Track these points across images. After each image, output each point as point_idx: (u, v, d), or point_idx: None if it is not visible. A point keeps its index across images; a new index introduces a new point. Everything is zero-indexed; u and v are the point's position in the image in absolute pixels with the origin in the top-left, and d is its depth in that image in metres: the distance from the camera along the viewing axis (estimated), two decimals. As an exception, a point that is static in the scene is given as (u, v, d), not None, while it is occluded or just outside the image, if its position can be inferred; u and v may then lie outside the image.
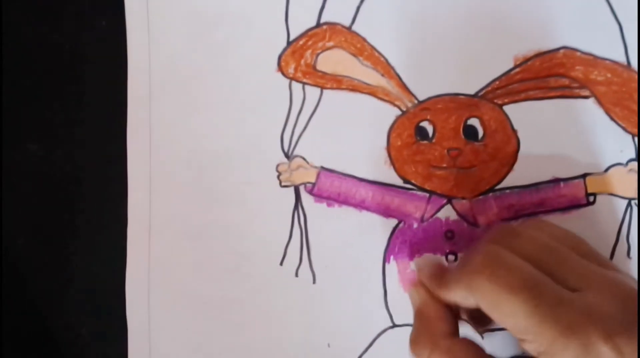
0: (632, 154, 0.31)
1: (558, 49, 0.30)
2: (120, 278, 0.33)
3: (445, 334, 0.27)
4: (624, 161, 0.31)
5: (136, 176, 0.33)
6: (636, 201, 0.31)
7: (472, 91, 0.31)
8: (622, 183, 0.31)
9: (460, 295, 0.26)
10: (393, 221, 0.32)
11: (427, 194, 0.32)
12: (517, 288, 0.24)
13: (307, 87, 0.32)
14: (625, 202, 0.31)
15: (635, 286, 0.24)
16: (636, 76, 0.30)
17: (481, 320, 0.29)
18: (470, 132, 0.31)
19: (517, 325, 0.24)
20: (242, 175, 0.33)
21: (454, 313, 0.28)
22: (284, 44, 0.32)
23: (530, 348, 0.24)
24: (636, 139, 0.31)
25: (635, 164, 0.31)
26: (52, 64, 0.33)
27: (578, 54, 0.30)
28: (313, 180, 0.32)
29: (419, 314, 0.29)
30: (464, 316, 0.29)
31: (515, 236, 0.27)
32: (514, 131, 0.31)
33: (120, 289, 0.33)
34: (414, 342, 0.28)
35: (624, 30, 0.30)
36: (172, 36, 0.32)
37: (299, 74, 0.32)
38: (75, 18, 0.33)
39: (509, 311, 0.24)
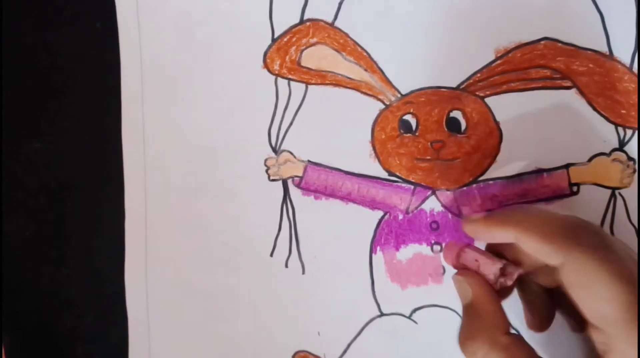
0: (615, 144, 0.31)
1: (539, 41, 0.30)
2: (119, 270, 0.35)
3: (503, 331, 0.26)
4: (607, 151, 0.31)
5: (132, 172, 0.34)
6: (619, 191, 0.31)
7: (454, 84, 0.31)
8: (606, 172, 0.31)
9: (537, 247, 0.25)
10: (379, 213, 0.33)
11: (412, 186, 0.32)
12: (625, 278, 0.23)
13: (292, 83, 0.33)
14: (609, 192, 0.31)
15: None
16: (618, 66, 0.30)
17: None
18: (453, 125, 0.32)
19: (606, 314, 0.23)
20: (232, 170, 0.34)
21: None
22: (269, 41, 0.32)
23: (600, 340, 0.24)
24: (619, 128, 0.31)
25: (618, 154, 0.31)
26: (49, 65, 0.35)
27: (559, 45, 0.30)
28: (300, 174, 0.33)
29: (471, 308, 0.27)
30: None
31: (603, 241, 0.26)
32: (496, 123, 0.31)
33: (120, 280, 0.35)
34: (469, 337, 0.26)
35: (605, 20, 0.30)
36: (161, 36, 0.33)
37: (284, 71, 0.32)
38: (71, 21, 0.34)
39: (607, 297, 0.23)
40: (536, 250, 0.26)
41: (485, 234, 0.28)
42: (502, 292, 0.29)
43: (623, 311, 0.23)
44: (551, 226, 0.26)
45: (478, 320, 0.27)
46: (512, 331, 0.27)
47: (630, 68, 0.30)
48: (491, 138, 0.31)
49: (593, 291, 0.24)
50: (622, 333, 0.23)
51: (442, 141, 0.32)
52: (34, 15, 0.34)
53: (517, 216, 0.28)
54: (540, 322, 0.29)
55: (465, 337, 0.26)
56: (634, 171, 0.31)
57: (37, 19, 0.34)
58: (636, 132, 0.31)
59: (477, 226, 0.29)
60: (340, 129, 0.33)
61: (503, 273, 0.27)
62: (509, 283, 0.27)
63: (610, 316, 0.23)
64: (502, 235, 0.27)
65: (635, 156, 0.31)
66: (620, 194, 0.31)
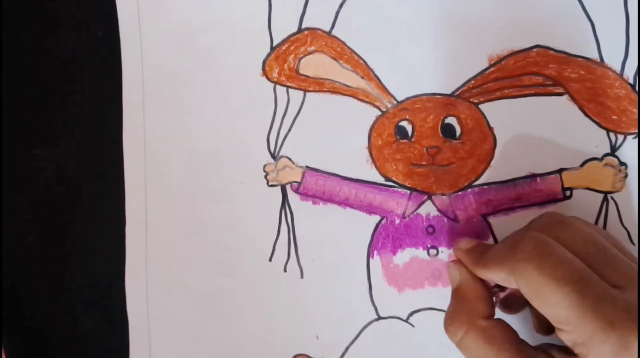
0: (607, 149, 0.31)
1: (531, 48, 0.31)
2: (120, 273, 0.35)
3: (482, 314, 0.28)
4: (600, 156, 0.31)
5: (132, 177, 0.35)
6: (612, 195, 0.32)
7: (448, 91, 0.32)
8: (598, 177, 0.32)
9: (500, 276, 0.27)
10: (376, 218, 0.33)
11: (408, 191, 0.33)
12: (564, 280, 0.24)
13: (290, 91, 0.33)
14: (601, 196, 0.32)
15: None
16: (609, 72, 0.31)
17: (510, 304, 0.30)
18: (448, 131, 0.32)
19: (559, 315, 0.24)
20: (231, 175, 0.34)
21: (491, 294, 0.29)
22: (268, 49, 0.33)
23: (566, 338, 0.25)
24: (611, 134, 0.31)
25: (610, 158, 0.31)
26: (52, 73, 0.35)
27: (551, 52, 0.31)
28: (299, 179, 0.34)
29: (457, 292, 0.29)
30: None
31: (563, 225, 0.27)
32: (490, 129, 0.32)
33: (120, 283, 0.35)
34: (450, 318, 0.28)
35: (596, 28, 0.31)
36: (162, 44, 0.34)
37: (283, 78, 0.33)
38: (73, 29, 0.35)
39: (553, 301, 0.24)
40: (498, 279, 0.27)
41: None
42: (514, 306, 0.30)
43: (571, 309, 0.24)
44: (499, 251, 0.27)
45: (461, 303, 0.29)
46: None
47: (621, 75, 0.31)
48: (485, 144, 0.32)
49: (541, 299, 0.25)
50: (580, 328, 0.24)
51: (438, 147, 0.32)
52: (36, 23, 0.35)
53: (484, 252, 0.29)
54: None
55: (448, 317, 0.28)
56: (626, 176, 0.31)
57: (39, 28, 0.35)
58: (627, 137, 0.31)
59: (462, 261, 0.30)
60: (337, 135, 0.33)
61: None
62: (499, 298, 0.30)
63: (562, 317, 0.24)
64: (478, 273, 0.29)
65: (627, 161, 0.31)
66: (612, 198, 0.32)
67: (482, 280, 0.29)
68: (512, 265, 0.26)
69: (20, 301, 0.36)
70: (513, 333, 0.27)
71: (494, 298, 0.30)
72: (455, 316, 0.28)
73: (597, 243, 0.26)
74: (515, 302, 0.31)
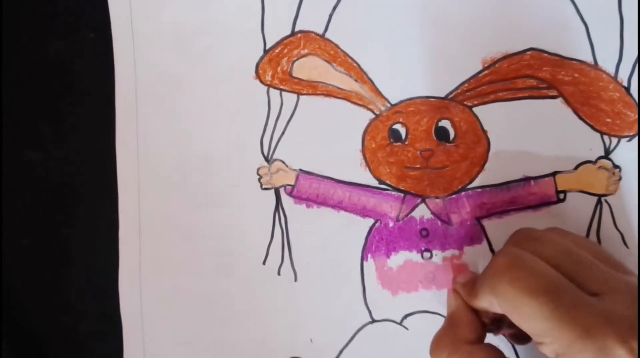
0: (601, 151, 0.31)
1: (525, 51, 0.31)
2: (114, 276, 0.35)
3: (467, 339, 0.28)
4: (593, 159, 0.31)
5: (126, 180, 0.35)
6: (605, 198, 0.32)
7: (442, 94, 0.32)
8: (592, 180, 0.31)
9: (487, 301, 0.27)
10: (370, 221, 0.33)
11: (402, 194, 0.33)
12: (537, 291, 0.24)
13: (284, 94, 0.33)
14: (595, 199, 0.32)
15: None
16: (603, 75, 0.31)
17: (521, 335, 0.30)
18: (441, 134, 0.32)
19: (536, 328, 0.24)
20: (225, 178, 0.34)
21: (483, 323, 0.29)
22: (261, 52, 0.33)
23: (547, 350, 0.24)
24: (605, 137, 0.31)
25: (604, 161, 0.31)
26: (47, 75, 0.35)
27: (545, 55, 0.31)
28: (292, 182, 0.34)
29: (449, 318, 0.30)
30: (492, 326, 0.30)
31: (536, 239, 0.27)
32: (484, 132, 0.32)
33: (114, 288, 0.35)
34: (435, 342, 0.29)
35: (590, 31, 0.31)
36: (155, 47, 0.34)
37: (276, 81, 0.33)
38: (66, 31, 0.35)
39: (528, 314, 0.24)
40: (487, 305, 0.27)
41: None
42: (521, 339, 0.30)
43: (547, 320, 0.24)
44: (482, 276, 0.27)
45: (449, 329, 0.29)
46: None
47: (615, 77, 0.31)
48: (479, 147, 0.32)
49: (518, 312, 0.25)
50: (558, 338, 0.23)
51: (431, 150, 0.32)
52: (31, 27, 0.35)
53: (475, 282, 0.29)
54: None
55: (434, 341, 0.29)
56: (620, 179, 0.31)
57: (34, 31, 0.35)
58: (621, 140, 0.31)
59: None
60: (331, 138, 0.33)
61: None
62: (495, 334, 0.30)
63: (540, 329, 0.24)
64: (473, 304, 0.29)
65: (621, 164, 0.31)
66: (606, 201, 0.32)
67: (473, 309, 0.29)
68: (490, 284, 0.26)
69: (15, 306, 0.36)
70: (499, 355, 0.27)
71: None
72: (440, 340, 0.29)
73: (572, 253, 0.26)
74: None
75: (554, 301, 0.24)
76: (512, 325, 0.26)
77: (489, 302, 0.27)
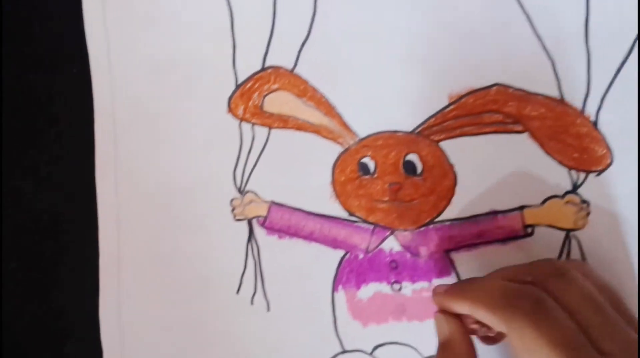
0: (569, 186, 0.31)
1: (491, 86, 0.31)
2: (96, 303, 0.36)
3: None
4: (561, 194, 0.31)
5: (105, 210, 0.36)
6: (574, 233, 0.31)
7: (409, 128, 0.32)
8: (560, 215, 0.31)
9: (488, 319, 0.27)
10: (340, 252, 0.34)
11: (371, 227, 0.33)
12: (559, 345, 0.24)
13: (256, 127, 0.34)
14: (564, 234, 0.31)
15: None
16: (569, 110, 0.31)
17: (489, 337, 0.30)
18: (409, 168, 0.32)
19: None
20: (200, 209, 0.35)
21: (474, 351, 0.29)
22: (233, 87, 0.34)
23: None
24: (572, 171, 0.31)
25: (572, 196, 0.31)
26: (34, 109, 0.36)
27: (510, 90, 0.31)
28: (265, 214, 0.34)
29: (446, 345, 0.29)
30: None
31: (562, 276, 0.27)
32: (451, 166, 0.32)
33: (95, 316, 0.36)
34: None
35: (556, 65, 0.31)
36: (132, 81, 0.35)
37: (248, 115, 0.34)
38: (51, 66, 0.36)
39: None
40: (485, 320, 0.27)
41: (446, 306, 0.30)
42: (490, 339, 0.30)
43: None
44: (494, 296, 0.27)
45: (451, 355, 0.29)
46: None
47: (582, 112, 0.31)
48: (446, 181, 0.32)
49: (531, 356, 0.25)
50: None
51: (400, 183, 0.32)
52: (14, 62, 0.36)
53: (471, 288, 0.29)
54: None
55: None
56: (588, 214, 0.31)
57: (18, 66, 0.36)
58: (589, 175, 0.31)
59: (440, 299, 0.30)
60: (302, 171, 0.34)
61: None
62: (491, 334, 0.30)
63: None
64: (458, 307, 0.29)
65: (589, 199, 0.31)
66: (575, 236, 0.31)
67: (467, 334, 0.29)
68: (507, 316, 0.26)
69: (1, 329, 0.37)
70: None
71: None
72: None
73: (595, 303, 0.26)
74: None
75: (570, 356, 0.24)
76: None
77: (491, 321, 0.27)
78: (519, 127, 0.31)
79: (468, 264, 0.32)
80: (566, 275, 0.27)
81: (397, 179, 0.32)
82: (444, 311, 0.30)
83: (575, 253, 0.31)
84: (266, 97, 0.33)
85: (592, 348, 0.25)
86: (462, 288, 0.29)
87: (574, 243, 0.31)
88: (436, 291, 0.30)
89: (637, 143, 0.31)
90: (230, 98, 0.34)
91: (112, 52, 0.35)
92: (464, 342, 0.29)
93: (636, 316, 0.28)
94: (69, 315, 0.37)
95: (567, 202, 0.31)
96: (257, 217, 0.34)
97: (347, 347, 0.34)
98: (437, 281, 0.33)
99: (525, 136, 0.31)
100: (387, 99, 0.32)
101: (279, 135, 0.34)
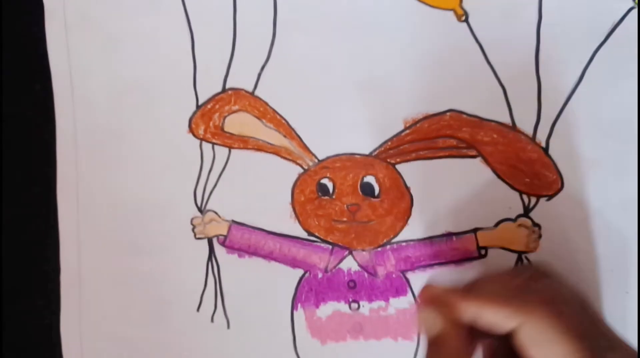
0: (521, 210, 0.32)
1: (445, 112, 0.32)
2: (55, 324, 0.36)
3: None
4: (513, 217, 0.32)
5: (66, 229, 0.36)
6: (526, 255, 0.32)
7: (367, 151, 0.33)
8: (512, 237, 0.32)
9: (498, 315, 0.25)
10: (300, 271, 0.34)
11: (330, 246, 0.34)
12: (577, 335, 0.24)
13: (216, 147, 0.34)
14: (516, 256, 0.32)
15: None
16: (521, 136, 0.32)
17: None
18: (367, 189, 0.33)
19: None
20: (161, 227, 0.35)
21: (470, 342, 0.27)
22: (194, 107, 0.34)
23: None
24: (524, 195, 0.32)
25: (524, 219, 0.32)
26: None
27: (464, 116, 0.32)
28: (225, 233, 0.35)
29: (438, 342, 0.27)
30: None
31: (547, 277, 0.28)
32: (407, 188, 0.33)
33: (56, 334, 0.36)
34: None
35: (507, 93, 0.31)
36: (93, 101, 0.35)
37: (209, 135, 0.34)
38: (15, 84, 0.36)
39: (557, 352, 0.24)
40: (493, 318, 0.26)
41: (444, 309, 0.27)
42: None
43: None
44: (507, 290, 0.26)
45: (444, 352, 0.27)
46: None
47: (533, 138, 0.32)
48: (403, 202, 0.33)
49: (549, 349, 0.24)
50: None
51: (357, 204, 0.33)
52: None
53: (477, 287, 0.28)
54: None
55: None
56: (540, 236, 0.32)
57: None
58: (540, 199, 0.32)
59: (439, 300, 0.28)
60: (262, 191, 0.34)
61: None
62: None
63: None
64: (463, 310, 0.27)
65: (540, 222, 0.32)
66: (526, 258, 0.32)
67: (461, 329, 0.27)
68: (522, 308, 0.25)
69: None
70: None
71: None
72: None
73: (586, 309, 0.27)
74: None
75: (586, 350, 0.24)
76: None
77: (501, 318, 0.25)
78: (473, 152, 0.32)
79: (423, 284, 0.33)
80: (551, 276, 0.28)
81: (355, 201, 0.33)
82: (432, 305, 0.27)
83: (526, 275, 0.32)
84: (227, 118, 0.34)
85: (604, 340, 0.25)
86: (467, 289, 0.28)
87: (525, 263, 0.32)
88: (429, 291, 0.28)
89: (637, 143, 0.31)
90: (191, 119, 0.34)
91: (74, 73, 0.35)
92: (457, 337, 0.27)
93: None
94: (28, 337, 0.37)
95: (519, 225, 0.32)
96: (218, 236, 0.35)
97: (306, 365, 0.34)
98: (393, 301, 0.33)
99: (478, 161, 0.32)
100: (345, 122, 0.33)
101: (240, 155, 0.34)
